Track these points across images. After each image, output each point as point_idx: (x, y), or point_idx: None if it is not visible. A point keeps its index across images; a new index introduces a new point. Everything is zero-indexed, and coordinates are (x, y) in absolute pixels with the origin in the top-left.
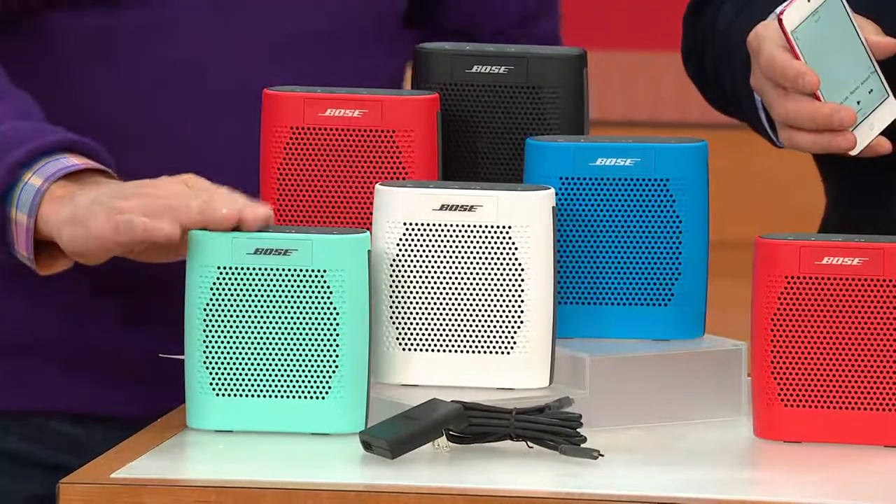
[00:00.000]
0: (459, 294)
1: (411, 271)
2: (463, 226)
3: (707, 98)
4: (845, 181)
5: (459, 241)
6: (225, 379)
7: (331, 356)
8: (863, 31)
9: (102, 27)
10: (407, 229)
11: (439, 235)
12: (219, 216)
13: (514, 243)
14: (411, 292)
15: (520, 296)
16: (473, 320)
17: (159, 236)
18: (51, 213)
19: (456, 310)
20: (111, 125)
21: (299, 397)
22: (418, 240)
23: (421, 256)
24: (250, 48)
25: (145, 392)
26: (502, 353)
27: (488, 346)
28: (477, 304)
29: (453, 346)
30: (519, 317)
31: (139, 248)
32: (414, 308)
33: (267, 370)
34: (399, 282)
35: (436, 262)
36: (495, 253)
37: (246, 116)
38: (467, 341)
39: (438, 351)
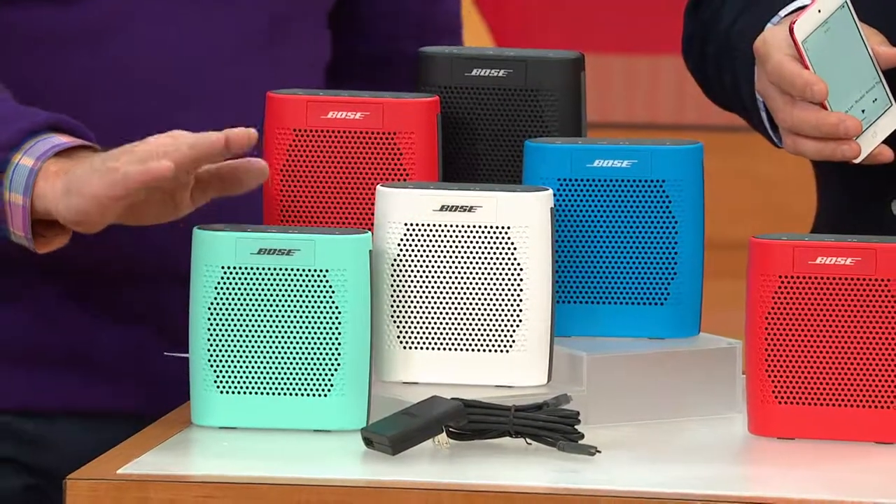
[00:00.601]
0: (459, 293)
1: (412, 271)
2: (463, 226)
3: (706, 92)
4: (842, 186)
5: (459, 242)
6: (229, 377)
7: (333, 354)
8: (869, 41)
9: (55, 24)
10: (408, 230)
11: (439, 236)
12: (207, 142)
13: (513, 243)
14: (412, 291)
15: (519, 295)
16: (473, 319)
17: (154, 175)
18: (46, 189)
19: (456, 309)
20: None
21: (302, 395)
22: (419, 240)
23: (421, 256)
24: (204, 42)
25: (125, 388)
26: (501, 351)
27: (488, 345)
28: (476, 303)
29: (453, 344)
30: (518, 315)
31: (138, 202)
32: (415, 307)
33: (270, 368)
34: (400, 281)
35: (436, 261)
36: (494, 253)
37: (203, 110)
38: (467, 340)
39: (439, 349)
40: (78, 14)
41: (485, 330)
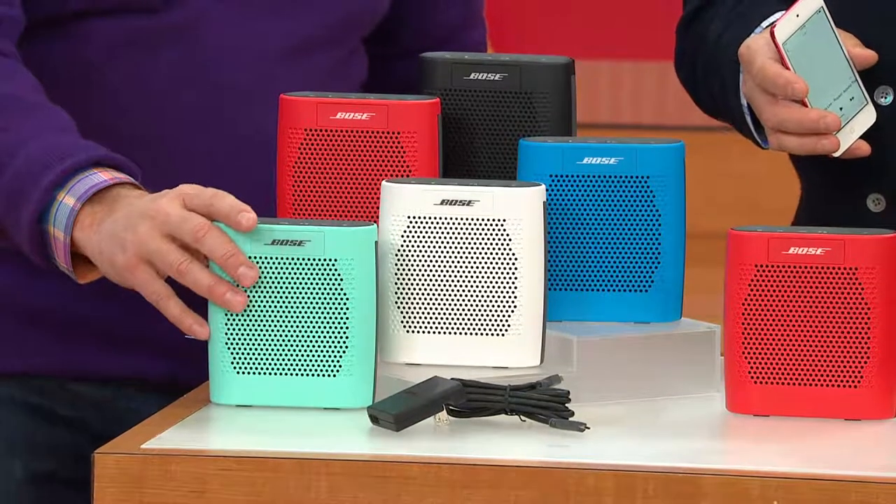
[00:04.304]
0: (458, 281)
1: (414, 260)
2: (462, 219)
3: (696, 102)
4: (823, 182)
5: (458, 233)
6: (245, 358)
7: (341, 338)
8: (845, 44)
9: (142, 29)
10: (411, 222)
11: (440, 228)
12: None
13: (508, 235)
14: (414, 279)
15: (513, 283)
16: (471, 305)
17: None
18: (83, 239)
19: (455, 295)
20: (146, 124)
21: (312, 375)
22: (421, 232)
23: (423, 247)
24: (270, 46)
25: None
26: (497, 334)
27: (485, 329)
28: (474, 290)
29: (453, 328)
30: (512, 302)
31: None
32: (417, 294)
33: (283, 350)
34: (403, 270)
35: (437, 252)
36: (491, 244)
37: (266, 109)
38: (465, 324)
39: (439, 333)
40: (162, 20)
41: (482, 315)
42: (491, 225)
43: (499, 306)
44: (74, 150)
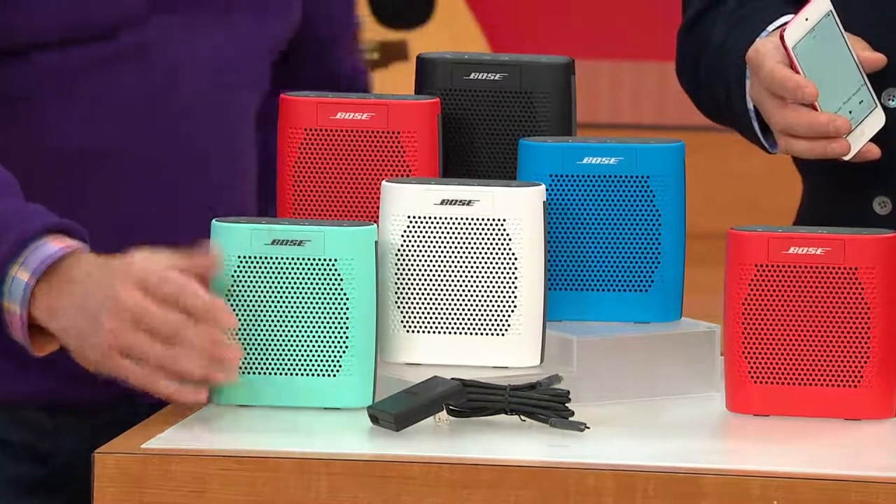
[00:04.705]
0: (458, 281)
1: (414, 260)
2: (462, 219)
3: (699, 107)
4: (828, 183)
5: (458, 233)
6: (245, 358)
7: (341, 337)
8: (853, 47)
9: (101, 54)
10: (411, 222)
11: (440, 228)
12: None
13: (508, 235)
14: (414, 279)
15: (513, 282)
16: (471, 304)
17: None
18: (41, 316)
19: (455, 295)
20: (99, 148)
21: (313, 375)
22: (421, 232)
23: (423, 247)
24: (221, 63)
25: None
26: (497, 334)
27: (485, 328)
28: (474, 290)
29: (453, 328)
30: (512, 301)
31: None
32: (417, 293)
33: (283, 350)
34: (403, 270)
35: (437, 251)
36: (491, 244)
37: (217, 127)
38: (465, 324)
39: (439, 333)
40: (119, 44)
41: (482, 315)
42: (491, 225)
43: (499, 306)
44: (22, 218)
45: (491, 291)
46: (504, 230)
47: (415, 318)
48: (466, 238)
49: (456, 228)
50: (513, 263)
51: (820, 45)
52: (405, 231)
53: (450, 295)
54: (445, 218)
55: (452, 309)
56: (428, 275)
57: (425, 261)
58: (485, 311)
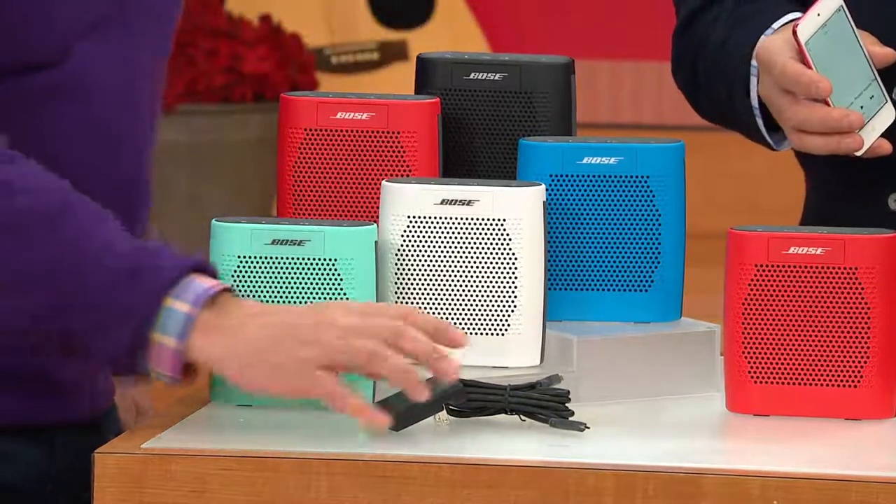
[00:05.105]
0: (458, 281)
1: (414, 260)
2: (462, 219)
3: (696, 107)
4: (838, 180)
5: (458, 233)
6: None
7: None
8: (864, 42)
9: (47, 82)
10: (411, 222)
11: (440, 228)
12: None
13: (508, 235)
14: (414, 279)
15: (513, 282)
16: (471, 305)
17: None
18: (204, 345)
19: (455, 295)
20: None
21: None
22: (421, 232)
23: (423, 247)
24: (144, 83)
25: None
26: (497, 334)
27: (485, 328)
28: (474, 290)
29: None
30: (512, 301)
31: None
32: (417, 294)
33: None
34: (403, 270)
35: (437, 252)
36: (491, 244)
37: (142, 148)
38: (465, 324)
39: None
40: (48, 77)
41: (482, 315)
42: (491, 225)
43: (499, 306)
44: (172, 255)
45: (491, 291)
46: (504, 230)
47: None
48: (466, 238)
49: (456, 228)
50: (513, 263)
51: (831, 40)
52: (405, 231)
53: (450, 295)
54: (445, 218)
55: (452, 309)
56: (428, 275)
57: (425, 261)
58: (485, 311)
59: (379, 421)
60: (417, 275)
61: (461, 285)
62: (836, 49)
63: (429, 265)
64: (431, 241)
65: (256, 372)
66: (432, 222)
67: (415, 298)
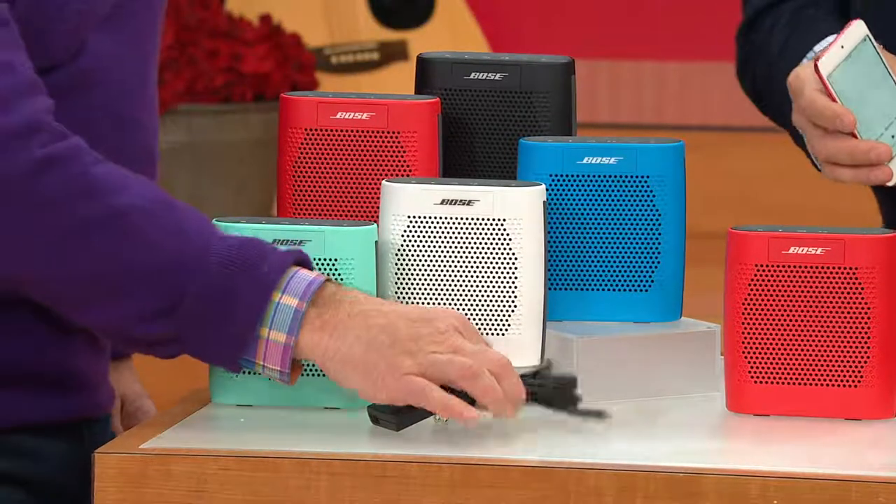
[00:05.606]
0: (458, 281)
1: (415, 260)
2: (462, 219)
3: (762, 110)
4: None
5: (459, 233)
6: None
7: None
8: (893, 70)
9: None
10: (411, 222)
11: (440, 227)
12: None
13: (508, 235)
14: (415, 279)
15: (513, 282)
16: (471, 304)
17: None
18: (313, 342)
19: (455, 295)
20: None
21: (312, 374)
22: (421, 231)
23: (423, 247)
24: (150, 75)
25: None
26: (497, 334)
27: (485, 328)
28: (474, 290)
29: None
30: (512, 301)
31: None
32: (417, 294)
33: None
34: (404, 270)
35: (437, 251)
36: (491, 244)
37: (153, 133)
38: None
39: None
40: (64, 73)
41: (482, 314)
42: (491, 225)
43: (499, 306)
44: (271, 249)
45: (491, 291)
46: (504, 230)
47: None
48: (466, 238)
49: (456, 228)
50: (513, 263)
51: (857, 71)
52: (405, 231)
53: (450, 295)
54: (445, 218)
55: (452, 308)
56: (428, 275)
57: (425, 261)
58: (485, 310)
59: (467, 416)
60: (417, 275)
61: (461, 285)
62: (862, 80)
63: (429, 265)
64: (431, 241)
65: (355, 373)
66: (432, 222)
67: (415, 298)
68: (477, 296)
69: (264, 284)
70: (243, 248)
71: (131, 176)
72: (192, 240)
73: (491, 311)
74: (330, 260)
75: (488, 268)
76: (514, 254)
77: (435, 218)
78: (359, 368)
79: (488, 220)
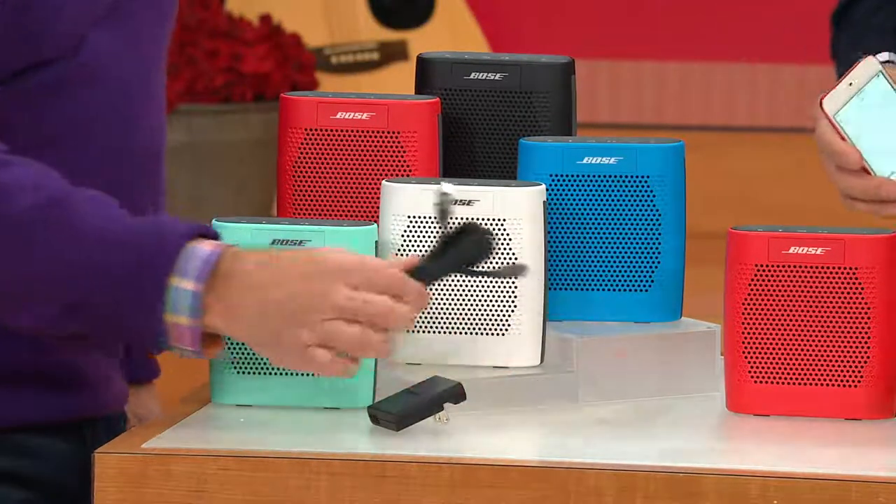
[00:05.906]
0: (459, 280)
1: None
2: (462, 219)
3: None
4: None
5: None
6: (245, 358)
7: None
8: None
9: (52, 76)
10: (411, 222)
11: (440, 228)
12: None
13: (508, 235)
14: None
15: (513, 282)
16: (471, 304)
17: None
18: (215, 322)
19: (455, 294)
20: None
21: (312, 374)
22: (421, 231)
23: (423, 247)
24: (155, 71)
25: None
26: (497, 334)
27: (485, 328)
28: (474, 290)
29: (453, 328)
30: (512, 301)
31: None
32: None
33: None
34: None
35: None
36: None
37: (159, 129)
38: (465, 324)
39: (439, 332)
40: (65, 66)
41: (481, 314)
42: (491, 225)
43: (498, 305)
44: (166, 229)
45: (490, 291)
46: (504, 230)
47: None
48: None
49: None
50: (513, 263)
51: (869, 106)
52: (405, 231)
53: (449, 294)
54: None
55: (452, 308)
56: None
57: None
58: (484, 310)
59: (350, 371)
60: None
61: (461, 285)
62: (874, 115)
63: None
64: (431, 242)
65: (260, 348)
66: (432, 222)
67: None
68: (477, 295)
69: (162, 272)
70: (139, 234)
71: (30, 176)
72: (84, 242)
73: (490, 310)
74: None
75: (488, 267)
76: (513, 254)
77: (435, 218)
78: (265, 346)
79: (488, 220)
